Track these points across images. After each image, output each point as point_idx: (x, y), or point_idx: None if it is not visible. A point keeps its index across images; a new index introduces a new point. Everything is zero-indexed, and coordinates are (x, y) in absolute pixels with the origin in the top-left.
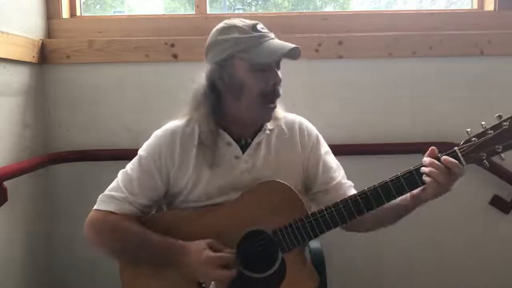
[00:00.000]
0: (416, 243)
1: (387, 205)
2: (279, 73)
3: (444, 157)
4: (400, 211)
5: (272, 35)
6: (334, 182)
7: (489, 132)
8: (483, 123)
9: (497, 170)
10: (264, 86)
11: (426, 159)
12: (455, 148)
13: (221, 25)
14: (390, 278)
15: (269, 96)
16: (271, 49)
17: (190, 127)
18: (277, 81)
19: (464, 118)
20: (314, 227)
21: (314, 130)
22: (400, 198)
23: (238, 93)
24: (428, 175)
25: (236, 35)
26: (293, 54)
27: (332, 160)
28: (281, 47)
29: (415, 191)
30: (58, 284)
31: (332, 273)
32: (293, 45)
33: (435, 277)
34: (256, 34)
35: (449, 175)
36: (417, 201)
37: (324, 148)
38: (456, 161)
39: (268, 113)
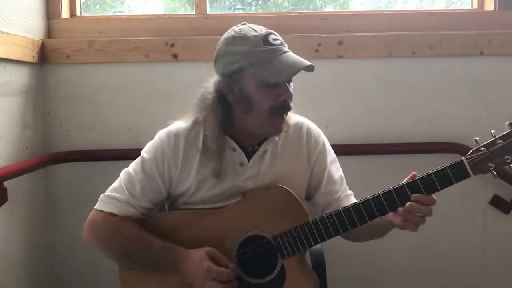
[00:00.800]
0: (416, 244)
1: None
2: (291, 86)
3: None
4: (383, 231)
5: (285, 47)
6: (335, 197)
7: (499, 142)
8: (492, 131)
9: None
10: (274, 102)
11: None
12: (463, 158)
13: (231, 33)
14: (390, 279)
15: (279, 112)
16: (283, 67)
17: (194, 130)
18: (288, 97)
19: (464, 118)
20: (315, 234)
21: (321, 136)
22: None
23: (247, 107)
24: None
25: (246, 47)
26: (306, 70)
27: (336, 171)
28: (293, 64)
29: (392, 220)
30: (58, 284)
31: (332, 274)
32: (306, 63)
33: (435, 277)
34: (267, 48)
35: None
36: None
37: (330, 156)
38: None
39: (277, 127)
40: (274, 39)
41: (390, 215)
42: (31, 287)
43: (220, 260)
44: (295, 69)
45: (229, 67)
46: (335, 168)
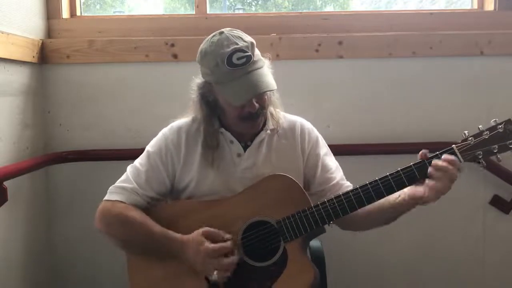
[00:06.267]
0: (416, 243)
1: (385, 205)
2: (264, 96)
3: (444, 156)
4: (396, 212)
5: (249, 67)
6: (332, 183)
7: (485, 133)
8: (480, 126)
9: (497, 170)
10: (241, 113)
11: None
12: (453, 145)
13: (206, 44)
14: (390, 277)
15: (248, 118)
16: (241, 90)
17: (195, 125)
18: (252, 110)
19: (464, 118)
20: (316, 217)
21: (314, 131)
22: (396, 199)
23: (221, 112)
24: (432, 176)
25: (213, 65)
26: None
27: (331, 161)
28: (251, 89)
29: (415, 194)
30: (58, 283)
31: (332, 271)
32: (264, 89)
33: (435, 276)
34: (229, 69)
35: (452, 176)
36: (414, 203)
37: (324, 149)
38: (454, 157)
39: (250, 128)
40: (239, 58)
41: (409, 189)
42: (31, 286)
43: (216, 236)
44: (251, 94)
45: (204, 77)
46: (330, 159)
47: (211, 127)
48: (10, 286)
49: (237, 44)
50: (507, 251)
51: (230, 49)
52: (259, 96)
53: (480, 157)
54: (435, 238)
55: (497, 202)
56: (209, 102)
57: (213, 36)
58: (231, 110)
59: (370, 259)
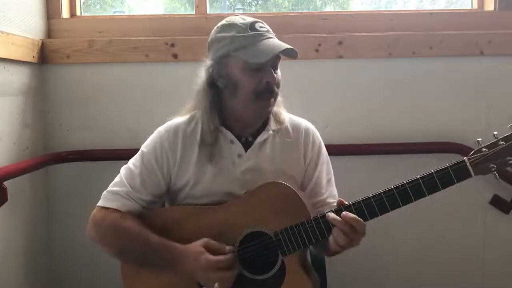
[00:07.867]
0: (416, 244)
1: None
2: (278, 72)
3: (344, 214)
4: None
5: (270, 34)
6: (318, 199)
7: (501, 143)
8: (495, 133)
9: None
10: (259, 85)
11: (330, 215)
12: (464, 158)
13: (222, 22)
14: (391, 279)
15: (263, 94)
16: (264, 49)
17: (192, 124)
18: (271, 80)
19: (464, 118)
20: (315, 231)
21: (319, 137)
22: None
23: (233, 90)
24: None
25: (233, 33)
26: (288, 54)
27: (326, 173)
28: (274, 47)
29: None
30: (57, 284)
31: (333, 274)
32: (287, 46)
33: (435, 277)
34: (252, 33)
35: (353, 232)
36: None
37: (323, 158)
38: (358, 218)
39: (262, 110)
40: (261, 27)
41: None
42: (30, 286)
43: (216, 249)
44: (275, 51)
45: (218, 52)
46: (326, 171)
47: (211, 123)
48: (9, 285)
49: (256, 19)
50: (507, 251)
51: (252, 19)
52: (276, 68)
53: (493, 170)
54: (435, 238)
55: (497, 202)
56: (216, 88)
57: (227, 17)
58: (248, 83)
59: (371, 260)
